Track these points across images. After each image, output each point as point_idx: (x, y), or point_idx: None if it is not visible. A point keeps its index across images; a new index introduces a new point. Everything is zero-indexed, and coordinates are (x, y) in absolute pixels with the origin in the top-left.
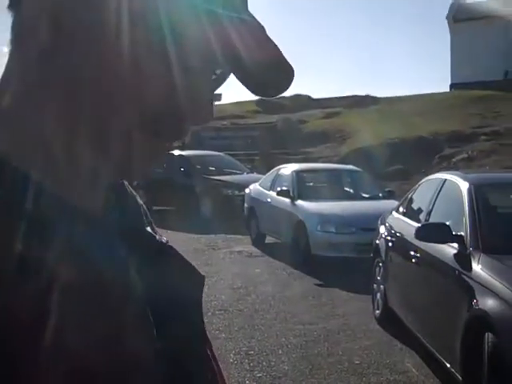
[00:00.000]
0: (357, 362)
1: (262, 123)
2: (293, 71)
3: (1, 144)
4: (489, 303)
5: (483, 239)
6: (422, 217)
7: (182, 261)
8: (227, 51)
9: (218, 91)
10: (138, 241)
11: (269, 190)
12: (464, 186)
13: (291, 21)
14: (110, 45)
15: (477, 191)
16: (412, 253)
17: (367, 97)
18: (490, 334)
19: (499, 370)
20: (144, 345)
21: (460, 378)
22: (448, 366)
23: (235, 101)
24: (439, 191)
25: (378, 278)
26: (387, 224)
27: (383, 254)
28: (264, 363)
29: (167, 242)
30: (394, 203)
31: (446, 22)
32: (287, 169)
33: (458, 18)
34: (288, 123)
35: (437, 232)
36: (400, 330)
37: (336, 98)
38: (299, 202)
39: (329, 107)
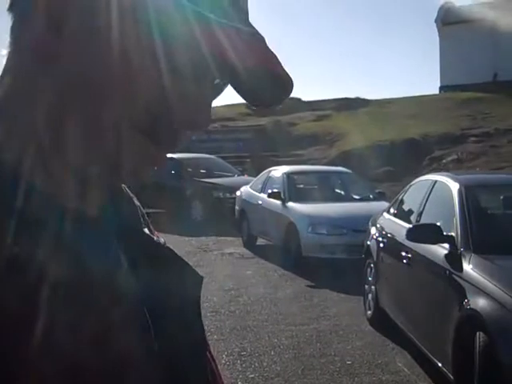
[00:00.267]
0: (349, 363)
1: (252, 126)
2: (292, 83)
3: None
4: (480, 303)
5: (474, 240)
6: (412, 218)
7: (179, 261)
8: (225, 60)
9: None
10: (135, 241)
11: (260, 193)
12: (454, 187)
13: (280, 23)
14: (109, 48)
15: (467, 192)
16: (403, 253)
17: (357, 99)
18: (481, 333)
19: (490, 370)
20: (138, 344)
21: (452, 377)
22: (440, 365)
23: (226, 103)
24: (430, 192)
25: (370, 278)
26: (378, 225)
27: (374, 255)
28: (256, 364)
29: (164, 243)
30: (384, 204)
31: (434, 25)
32: (278, 171)
33: (447, 22)
34: (278, 126)
35: (428, 233)
36: (392, 330)
37: (326, 100)
38: (290, 204)
39: (319, 110)
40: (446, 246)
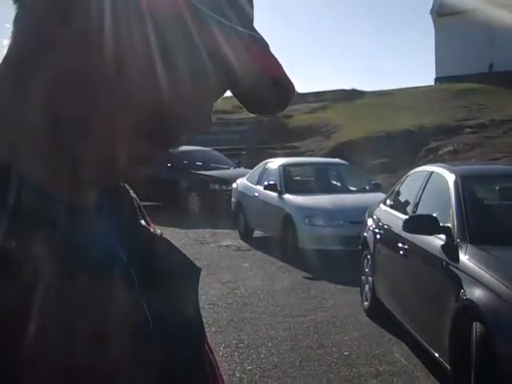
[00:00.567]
0: (346, 354)
1: (248, 118)
2: (293, 89)
3: None
4: (476, 293)
5: (470, 230)
6: (409, 209)
7: (177, 253)
8: (224, 63)
9: None
10: (132, 234)
11: (256, 185)
12: (450, 178)
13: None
14: (109, 45)
15: (463, 183)
16: (400, 245)
17: (353, 91)
18: (477, 323)
19: (487, 360)
20: (136, 337)
21: (448, 367)
22: (436, 355)
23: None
24: (426, 183)
25: (367, 270)
26: (375, 216)
27: (371, 247)
28: (254, 356)
29: (161, 234)
30: (381, 196)
31: (430, 16)
32: (274, 163)
33: (442, 13)
34: (274, 118)
35: (424, 224)
36: (389, 321)
37: (322, 92)
38: (286, 196)
39: (315, 101)
40: (443, 236)
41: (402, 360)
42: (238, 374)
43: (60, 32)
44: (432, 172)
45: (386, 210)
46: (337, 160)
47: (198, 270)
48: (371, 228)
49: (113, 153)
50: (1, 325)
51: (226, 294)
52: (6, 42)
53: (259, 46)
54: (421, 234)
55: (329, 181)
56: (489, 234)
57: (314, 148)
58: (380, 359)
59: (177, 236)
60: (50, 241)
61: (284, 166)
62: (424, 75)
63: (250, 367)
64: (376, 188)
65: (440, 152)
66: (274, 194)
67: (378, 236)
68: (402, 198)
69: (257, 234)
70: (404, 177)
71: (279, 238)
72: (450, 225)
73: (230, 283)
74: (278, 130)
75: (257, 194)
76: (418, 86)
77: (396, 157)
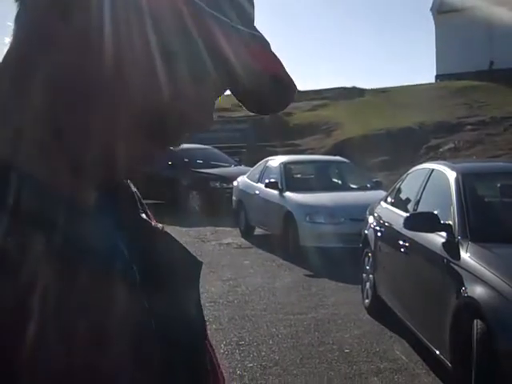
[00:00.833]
0: (347, 351)
1: (249, 116)
2: (294, 88)
3: None
4: (477, 291)
5: (471, 228)
6: (410, 206)
7: (178, 247)
8: (225, 62)
9: None
10: (133, 228)
11: (257, 183)
12: (451, 175)
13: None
14: (109, 43)
15: (464, 180)
16: (401, 242)
17: (353, 88)
18: (478, 321)
19: (488, 357)
20: (138, 333)
21: (449, 364)
22: (437, 353)
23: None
24: (427, 181)
25: (367, 267)
26: (376, 214)
27: (372, 244)
28: (255, 353)
29: (163, 228)
30: (381, 193)
31: (430, 14)
32: (275, 161)
33: (442, 10)
34: (275, 116)
35: (425, 221)
36: (390, 318)
37: (322, 90)
38: (287, 194)
39: (315, 99)
40: (444, 234)
41: (403, 357)
42: (238, 372)
43: (60, 29)
44: (433, 169)
45: (386, 208)
46: (337, 158)
47: (199, 264)
48: (372, 226)
49: (113, 152)
50: (1, 325)
51: (227, 292)
52: (8, 40)
53: (260, 44)
54: (422, 231)
55: (330, 178)
56: (490, 231)
57: (315, 146)
58: (381, 357)
59: (178, 234)
60: (51, 239)
61: (285, 164)
62: (424, 73)
63: (250, 364)
64: (377, 186)
65: (441, 149)
66: (275, 192)
67: (379, 234)
68: (402, 196)
69: (258, 231)
70: (405, 174)
71: (280, 236)
72: (450, 222)
73: (231, 281)
74: (278, 128)
75: (258, 192)
76: (418, 84)
77: (397, 154)
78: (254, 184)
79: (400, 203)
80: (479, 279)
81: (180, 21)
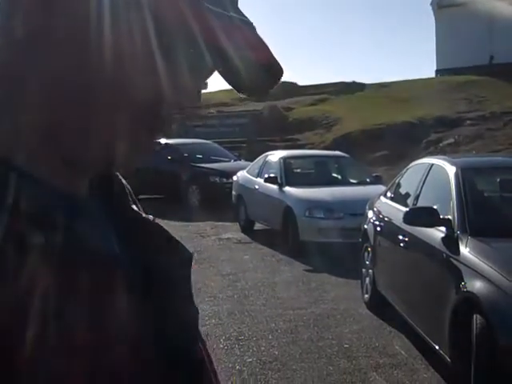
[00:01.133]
0: (346, 346)
1: (249, 111)
2: (282, 71)
3: None
4: (477, 285)
5: (470, 222)
6: (409, 201)
7: (168, 238)
8: (216, 47)
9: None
10: (123, 219)
11: (256, 177)
12: (451, 170)
13: (276, 8)
14: (98, 31)
15: (464, 175)
16: (400, 237)
17: (353, 83)
18: (478, 315)
19: (487, 352)
20: (131, 324)
21: (448, 359)
22: (437, 348)
23: (221, 89)
24: (426, 176)
25: (367, 262)
26: (375, 209)
27: (372, 239)
28: (254, 348)
29: (153, 219)
30: (381, 188)
31: (430, 8)
32: (274, 156)
33: (443, 4)
34: (274, 110)
35: (425, 216)
36: (389, 313)
37: (322, 84)
38: (287, 189)
39: (315, 94)
40: (443, 229)
41: (402, 352)
42: (238, 367)
43: (45, 17)
44: (432, 164)
45: (386, 203)
46: (337, 152)
47: (189, 255)
48: (372, 220)
49: (110, 143)
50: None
51: (227, 287)
52: None
53: (250, 31)
54: (421, 226)
55: (329, 173)
56: (489, 226)
57: (315, 141)
58: (380, 352)
59: (177, 229)
60: (47, 229)
61: (284, 159)
62: (424, 67)
63: (250, 360)
64: (376, 180)
65: (441, 144)
66: (275, 187)
67: (379, 228)
68: (402, 191)
69: (257, 226)
70: (404, 169)
71: (280, 231)
72: (450, 217)
73: (231, 276)
74: (278, 123)
75: (257, 187)
76: (418, 79)
77: (396, 149)
78: (254, 179)
79: (400, 198)
80: (479, 274)
81: (178, 12)
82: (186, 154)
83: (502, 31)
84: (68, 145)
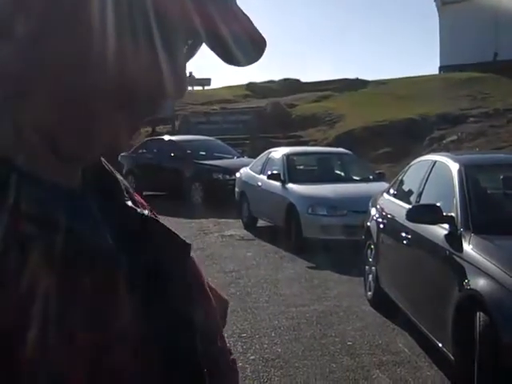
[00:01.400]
0: (349, 343)
1: (252, 107)
2: (265, 43)
3: None
4: (480, 283)
5: (474, 220)
6: (412, 198)
7: (165, 232)
8: (213, 32)
9: (207, 76)
10: (118, 215)
11: (259, 174)
12: (454, 167)
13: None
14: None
15: (467, 172)
16: (403, 234)
17: (356, 80)
18: (481, 313)
19: (491, 350)
20: (132, 324)
21: (452, 357)
22: (440, 345)
23: (224, 85)
24: (429, 173)
25: (370, 259)
26: (378, 206)
27: (375, 236)
28: (257, 346)
29: (150, 214)
30: (384, 185)
31: (434, 4)
32: (278, 152)
33: (447, 1)
34: (277, 107)
35: (428, 213)
36: (392, 311)
37: (325, 81)
38: (290, 185)
39: (318, 91)
40: (446, 226)
41: (406, 350)
42: (240, 364)
43: (49, 19)
44: (435, 161)
45: (389, 200)
46: (340, 149)
47: (187, 247)
48: (375, 217)
49: (91, 127)
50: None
51: (229, 284)
52: None
53: (230, 3)
54: (424, 223)
55: (332, 170)
56: (492, 223)
57: (318, 137)
58: (383, 349)
59: (180, 226)
60: (36, 223)
61: (287, 156)
62: (428, 64)
63: (252, 357)
64: (379, 177)
65: (444, 141)
66: (278, 184)
67: (382, 225)
68: (405, 188)
69: (260, 223)
70: (407, 166)
71: (283, 228)
72: (453, 214)
73: (234, 273)
74: (281, 120)
75: (260, 184)
76: (421, 75)
77: (399, 146)
78: (257, 175)
79: (402, 195)
80: (482, 271)
81: (180, 6)
82: (189, 151)
83: (506, 28)
84: (68, 145)
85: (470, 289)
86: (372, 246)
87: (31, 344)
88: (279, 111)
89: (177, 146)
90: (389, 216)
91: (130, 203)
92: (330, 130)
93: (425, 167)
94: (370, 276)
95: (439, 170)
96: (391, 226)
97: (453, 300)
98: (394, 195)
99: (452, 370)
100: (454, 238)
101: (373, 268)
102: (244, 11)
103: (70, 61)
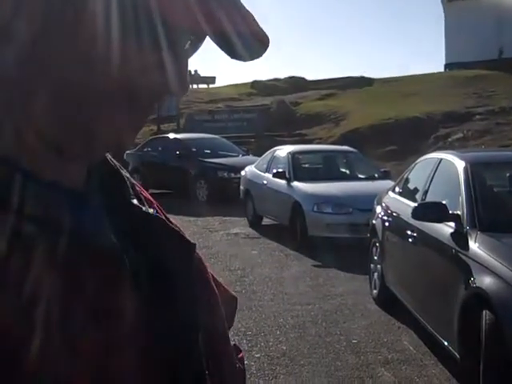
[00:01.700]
0: (354, 342)
1: (257, 105)
2: (268, 39)
3: None
4: (486, 281)
5: (480, 218)
6: (418, 196)
7: (169, 230)
8: (219, 32)
9: (212, 74)
10: (122, 213)
11: (265, 172)
12: (460, 165)
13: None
14: (106, 35)
15: (473, 170)
16: (409, 232)
17: (362, 78)
18: (487, 311)
19: (496, 348)
20: (136, 323)
21: (457, 355)
22: (445, 344)
23: (229, 83)
24: (435, 170)
25: (375, 257)
26: (384, 204)
27: (380, 234)
28: (262, 344)
29: (154, 212)
30: (389, 183)
31: (440, 2)
32: (283, 150)
33: None
34: (282, 105)
35: (433, 211)
36: (397, 309)
37: (330, 79)
38: (295, 184)
39: (323, 89)
40: (452, 224)
41: (411, 348)
42: (246, 362)
43: (51, 21)
44: (441, 159)
45: (394, 198)
46: (345, 147)
47: (191, 246)
48: (380, 215)
49: (93, 124)
50: (3, 327)
51: (235, 282)
52: None
53: (242, 5)
54: (430, 221)
55: (337, 168)
56: (499, 221)
57: (323, 135)
58: (388, 347)
59: (185, 224)
60: (40, 223)
61: (293, 154)
62: (433, 62)
63: (258, 355)
64: (385, 175)
65: (449, 139)
66: (283, 182)
67: (387, 223)
68: (411, 186)
69: (265, 221)
70: (413, 164)
71: (288, 226)
72: (459, 212)
73: (239, 271)
74: (286, 118)
75: (265, 182)
76: (427, 73)
77: (405, 144)
78: (262, 174)
79: (408, 193)
80: (488, 269)
81: (185, 9)
82: (194, 149)
83: (511, 25)
84: (71, 144)
85: (476, 287)
86: (377, 244)
87: (34, 346)
88: (284, 109)
89: (182, 144)
90: (394, 214)
91: (135, 201)
92: (335, 128)
93: (430, 165)
94: (376, 274)
95: (445, 168)
96: (397, 224)
97: (459, 298)
98: (400, 193)
99: (457, 369)
100: (459, 236)
101: (378, 266)
102: (248, 9)
103: (72, 61)
